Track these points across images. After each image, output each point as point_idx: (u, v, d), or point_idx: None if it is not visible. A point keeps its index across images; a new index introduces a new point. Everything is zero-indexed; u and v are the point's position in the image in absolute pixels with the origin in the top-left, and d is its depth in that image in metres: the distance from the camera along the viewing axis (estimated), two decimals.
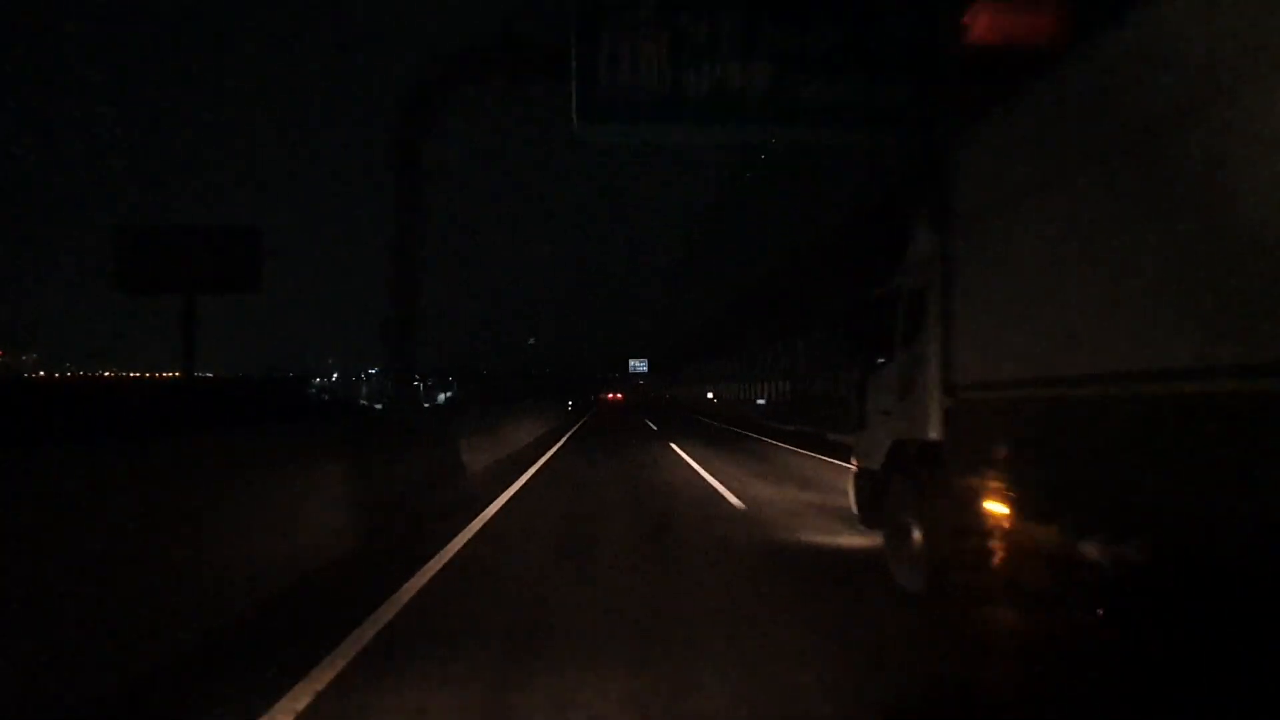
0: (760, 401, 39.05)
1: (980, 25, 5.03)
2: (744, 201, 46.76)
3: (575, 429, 23.36)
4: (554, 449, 15.22)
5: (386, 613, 3.90)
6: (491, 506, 7.57)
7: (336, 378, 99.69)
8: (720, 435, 21.16)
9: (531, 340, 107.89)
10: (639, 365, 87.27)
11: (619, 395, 66.33)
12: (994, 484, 3.68)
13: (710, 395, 54.93)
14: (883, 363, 5.13)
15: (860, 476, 5.44)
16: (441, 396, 74.40)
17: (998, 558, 3.72)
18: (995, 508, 3.67)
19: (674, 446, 15.98)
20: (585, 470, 11.76)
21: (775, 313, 34.21)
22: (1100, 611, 3.20)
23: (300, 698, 2.77)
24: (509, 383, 78.81)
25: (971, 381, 3.97)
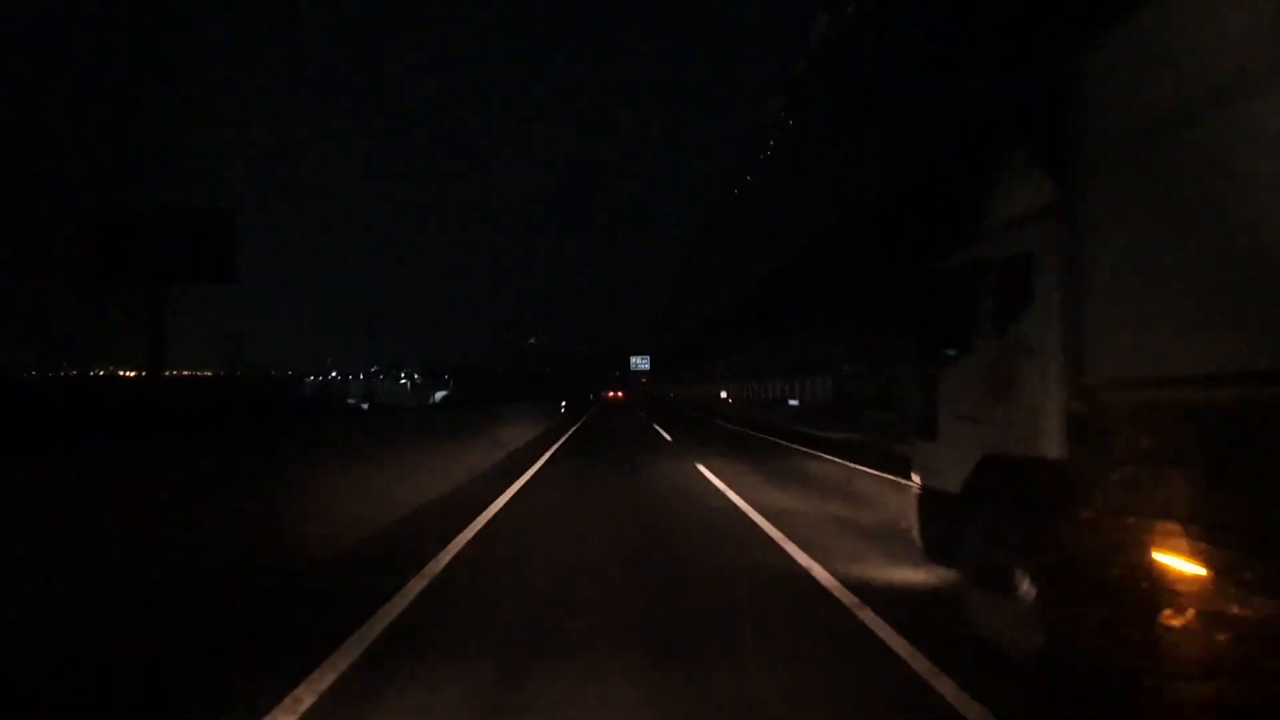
0: (793, 402, 33.66)
1: None
2: (761, 179, 41.75)
3: (567, 437, 18.86)
4: (528, 475, 10.17)
5: None
6: None
7: (335, 376, 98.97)
8: (759, 449, 15.77)
9: (532, 340, 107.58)
10: (640, 362, 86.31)
11: (620, 394, 65.22)
12: (1165, 527, 2.55)
13: (724, 394, 50.82)
14: (959, 355, 4.00)
15: (927, 500, 4.31)
16: (437, 395, 73.42)
17: (1170, 632, 2.58)
18: (1172, 562, 2.53)
19: (705, 471, 10.74)
20: (565, 535, 6.32)
21: (807, 299, 29.60)
22: None
23: None
24: (510, 381, 78.07)
25: (1118, 378, 2.84)
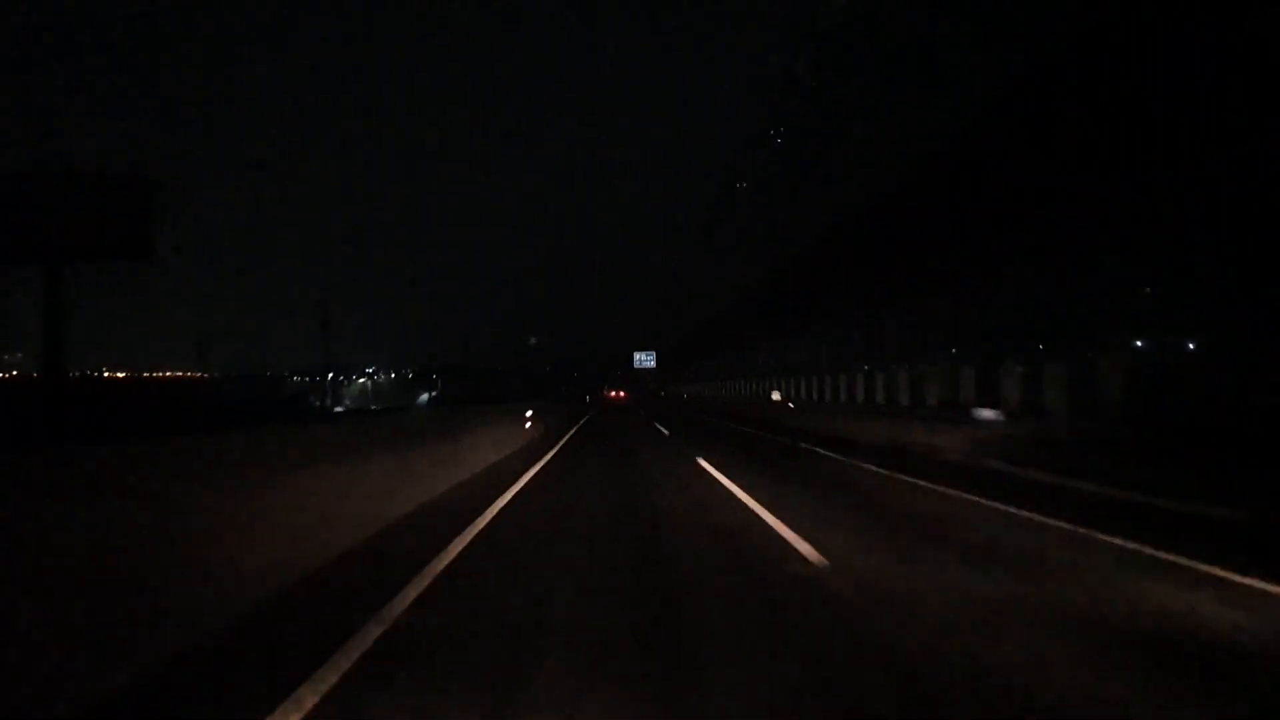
0: (988, 414, 15.63)
1: None
2: (786, 147, 32.38)
3: (487, 526, 6.04)
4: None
5: None
6: None
7: (331, 376, 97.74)
8: None
9: (533, 340, 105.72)
10: (645, 359, 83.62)
11: (621, 393, 62.04)
12: None
13: (776, 395, 36.15)
14: None
15: None
16: (424, 397, 70.97)
17: None
18: None
19: None
20: None
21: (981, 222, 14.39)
22: None
23: None
24: (509, 380, 75.80)
25: None
